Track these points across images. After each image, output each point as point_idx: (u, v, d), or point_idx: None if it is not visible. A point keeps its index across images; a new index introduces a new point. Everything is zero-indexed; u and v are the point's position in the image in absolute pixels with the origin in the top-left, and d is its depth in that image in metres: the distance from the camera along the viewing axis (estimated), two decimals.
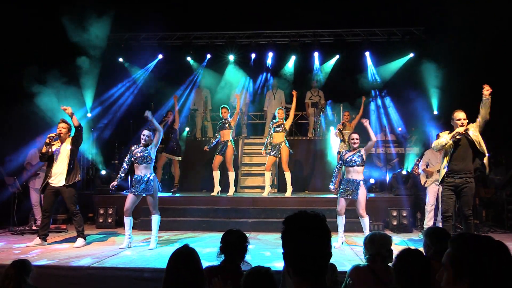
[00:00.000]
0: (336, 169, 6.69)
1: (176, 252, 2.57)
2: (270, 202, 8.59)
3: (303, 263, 1.60)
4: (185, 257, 2.53)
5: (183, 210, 8.42)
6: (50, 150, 6.46)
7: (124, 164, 6.45)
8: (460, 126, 5.62)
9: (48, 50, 8.87)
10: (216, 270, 3.00)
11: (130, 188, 6.33)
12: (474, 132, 5.63)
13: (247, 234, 3.44)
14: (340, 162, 6.58)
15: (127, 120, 11.35)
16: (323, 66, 12.55)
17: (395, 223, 7.85)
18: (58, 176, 6.50)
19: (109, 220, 8.33)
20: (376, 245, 3.08)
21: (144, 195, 6.25)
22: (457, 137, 5.62)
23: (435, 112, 9.92)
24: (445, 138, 5.69)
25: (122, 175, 6.43)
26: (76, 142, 6.63)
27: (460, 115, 5.69)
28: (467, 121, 5.72)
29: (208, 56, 12.50)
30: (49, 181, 6.48)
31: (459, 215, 6.75)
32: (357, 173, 6.32)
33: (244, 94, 11.79)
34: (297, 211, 1.70)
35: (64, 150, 6.57)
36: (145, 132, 6.42)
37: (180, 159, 9.53)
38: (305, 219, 1.65)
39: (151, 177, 6.27)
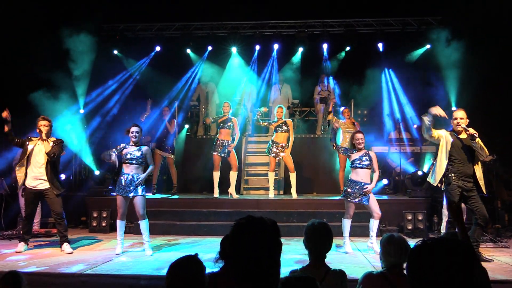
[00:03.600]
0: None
1: (178, 262, 2.53)
2: (275, 204, 8.56)
3: (249, 266, 1.72)
4: (188, 268, 2.49)
5: (183, 213, 8.38)
6: (25, 146, 6.33)
7: (113, 152, 6.30)
8: (457, 125, 5.72)
9: (36, 41, 8.84)
10: (215, 277, 2.96)
11: (118, 190, 6.22)
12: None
13: None
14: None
15: (122, 117, 11.35)
16: (333, 59, 12.50)
17: (410, 227, 7.79)
18: (38, 179, 6.35)
19: (103, 224, 8.28)
20: (396, 247, 3.02)
21: (134, 196, 6.16)
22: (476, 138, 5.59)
23: (453, 108, 9.84)
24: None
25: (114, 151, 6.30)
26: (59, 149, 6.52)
27: (457, 114, 5.79)
28: (465, 120, 5.76)
29: (209, 48, 12.42)
30: (27, 183, 6.33)
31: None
32: (366, 176, 6.35)
33: (245, 88, 11.78)
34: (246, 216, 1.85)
35: (46, 150, 6.37)
36: (134, 128, 6.32)
37: (173, 157, 9.52)
38: (255, 224, 1.79)
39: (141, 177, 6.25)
